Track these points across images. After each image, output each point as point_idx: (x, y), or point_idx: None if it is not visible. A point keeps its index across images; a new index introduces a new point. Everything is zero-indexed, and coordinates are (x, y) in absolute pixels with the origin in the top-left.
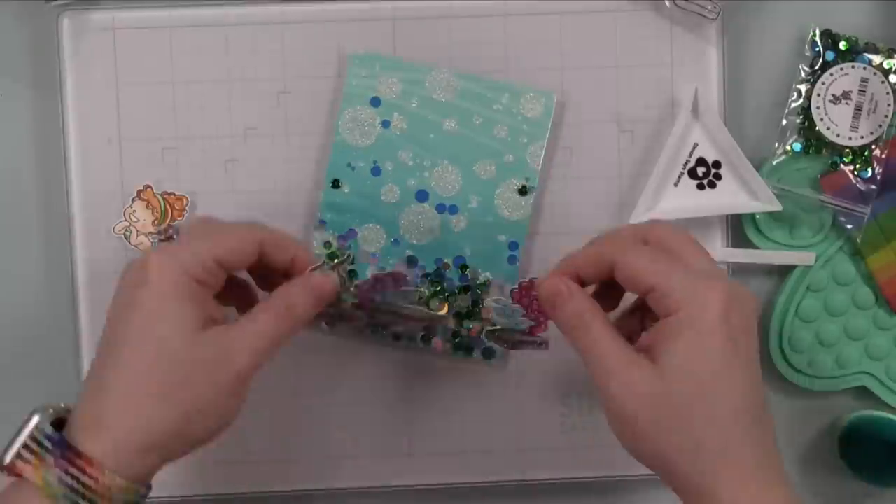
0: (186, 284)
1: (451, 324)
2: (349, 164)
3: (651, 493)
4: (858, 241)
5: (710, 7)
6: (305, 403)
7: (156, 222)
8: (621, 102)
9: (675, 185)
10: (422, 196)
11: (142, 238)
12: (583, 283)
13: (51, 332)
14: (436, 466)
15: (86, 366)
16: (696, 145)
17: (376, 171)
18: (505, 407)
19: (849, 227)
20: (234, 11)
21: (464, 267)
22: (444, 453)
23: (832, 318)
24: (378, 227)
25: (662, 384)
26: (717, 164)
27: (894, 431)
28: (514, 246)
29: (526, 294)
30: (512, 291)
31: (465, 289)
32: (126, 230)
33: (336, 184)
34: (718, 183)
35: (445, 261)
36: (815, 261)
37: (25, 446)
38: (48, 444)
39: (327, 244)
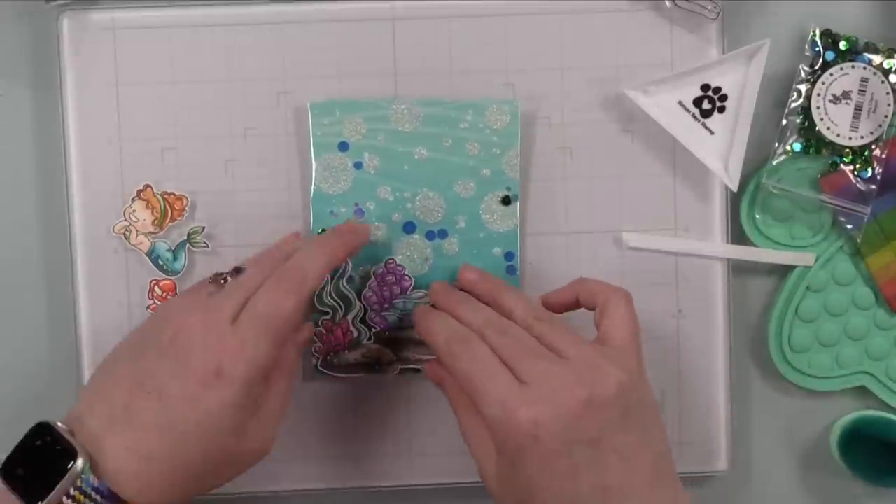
0: (252, 388)
1: None
2: (331, 213)
3: None
4: (858, 241)
5: (710, 7)
6: (304, 403)
7: (155, 222)
8: (622, 102)
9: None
10: (409, 228)
11: (141, 238)
12: None
13: (50, 331)
14: (436, 466)
15: (86, 366)
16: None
17: (359, 212)
18: None
19: (849, 227)
20: (235, 11)
21: None
22: (444, 453)
23: (832, 318)
24: (371, 268)
25: (497, 488)
26: (723, 98)
27: (894, 431)
28: (510, 256)
29: None
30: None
31: None
32: (126, 230)
33: (324, 233)
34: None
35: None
36: (815, 261)
37: (69, 495)
38: (97, 497)
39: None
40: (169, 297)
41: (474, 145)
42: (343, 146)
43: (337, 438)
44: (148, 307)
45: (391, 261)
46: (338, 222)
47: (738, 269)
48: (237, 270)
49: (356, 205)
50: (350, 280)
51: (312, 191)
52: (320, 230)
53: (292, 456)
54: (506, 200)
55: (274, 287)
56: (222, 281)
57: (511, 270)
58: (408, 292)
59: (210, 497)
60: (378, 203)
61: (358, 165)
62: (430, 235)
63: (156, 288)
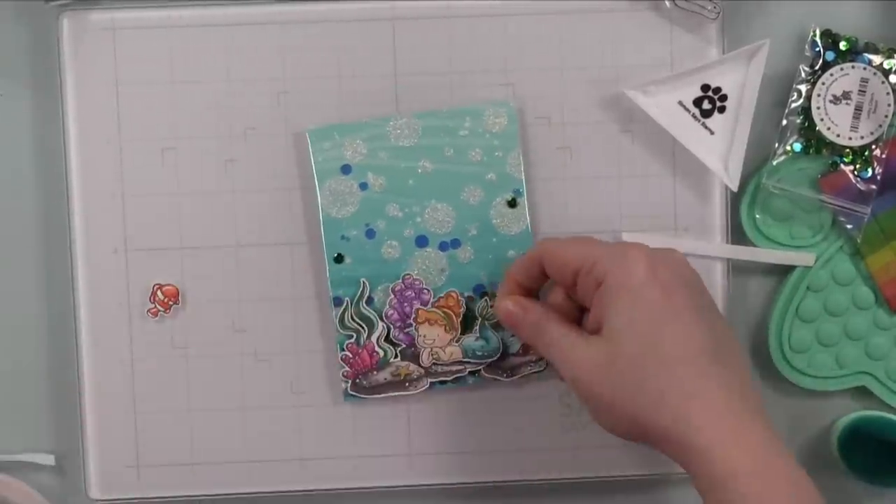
0: None
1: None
2: (343, 237)
3: (651, 494)
4: (858, 241)
5: (710, 7)
6: (306, 403)
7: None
8: (621, 102)
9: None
10: (422, 241)
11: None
12: (529, 292)
13: (50, 333)
14: (436, 466)
15: (86, 367)
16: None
17: (370, 233)
18: (505, 407)
19: (849, 227)
20: (234, 11)
21: (485, 294)
22: (444, 453)
23: (832, 318)
24: (389, 285)
25: (609, 350)
26: (723, 98)
27: (894, 431)
28: None
29: None
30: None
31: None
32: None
33: (339, 259)
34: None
35: (468, 294)
36: (815, 261)
37: None
38: None
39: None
40: (171, 302)
41: (476, 151)
42: (346, 169)
43: (336, 438)
44: (148, 311)
45: (408, 276)
46: (351, 246)
47: (738, 269)
48: None
49: (366, 225)
50: (370, 301)
51: (321, 218)
52: (335, 255)
53: (292, 456)
54: (512, 203)
55: None
56: None
57: None
58: (428, 305)
59: (209, 497)
60: (388, 221)
61: (363, 186)
62: (443, 246)
63: (158, 292)
